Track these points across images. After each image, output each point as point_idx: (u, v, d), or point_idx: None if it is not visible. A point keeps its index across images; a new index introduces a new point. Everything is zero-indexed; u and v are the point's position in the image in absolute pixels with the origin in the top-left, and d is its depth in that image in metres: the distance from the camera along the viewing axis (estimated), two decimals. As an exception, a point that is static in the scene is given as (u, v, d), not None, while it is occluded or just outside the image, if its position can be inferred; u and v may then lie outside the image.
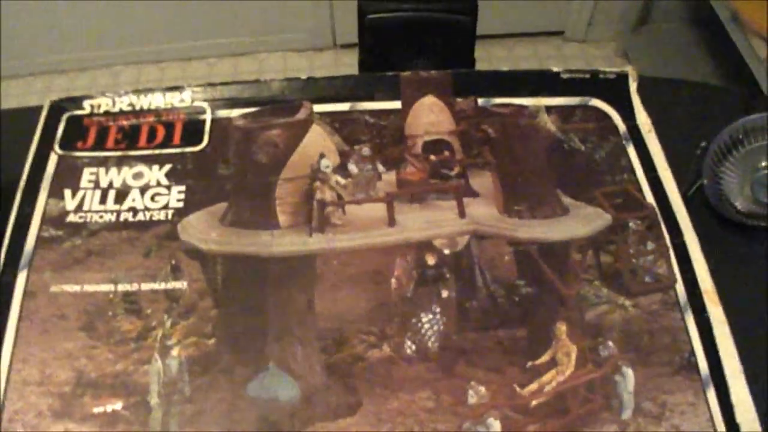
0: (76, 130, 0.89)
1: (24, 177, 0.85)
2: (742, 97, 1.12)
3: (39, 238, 0.81)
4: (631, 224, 0.83)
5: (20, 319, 0.76)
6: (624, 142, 0.89)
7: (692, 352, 0.75)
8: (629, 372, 0.74)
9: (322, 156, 0.82)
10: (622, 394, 0.73)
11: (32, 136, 0.88)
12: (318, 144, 0.84)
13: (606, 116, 0.90)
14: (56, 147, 0.87)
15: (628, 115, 0.91)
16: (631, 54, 2.73)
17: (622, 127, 0.90)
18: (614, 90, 0.92)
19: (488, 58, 2.44)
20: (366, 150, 0.86)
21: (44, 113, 0.90)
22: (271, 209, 0.81)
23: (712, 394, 0.73)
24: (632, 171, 0.87)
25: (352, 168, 0.84)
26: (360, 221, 0.81)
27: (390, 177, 0.85)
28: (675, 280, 0.79)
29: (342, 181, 0.82)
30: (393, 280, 0.79)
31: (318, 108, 0.88)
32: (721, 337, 0.75)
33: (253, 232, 0.80)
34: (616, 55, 2.71)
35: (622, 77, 0.93)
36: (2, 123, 1.01)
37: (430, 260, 0.80)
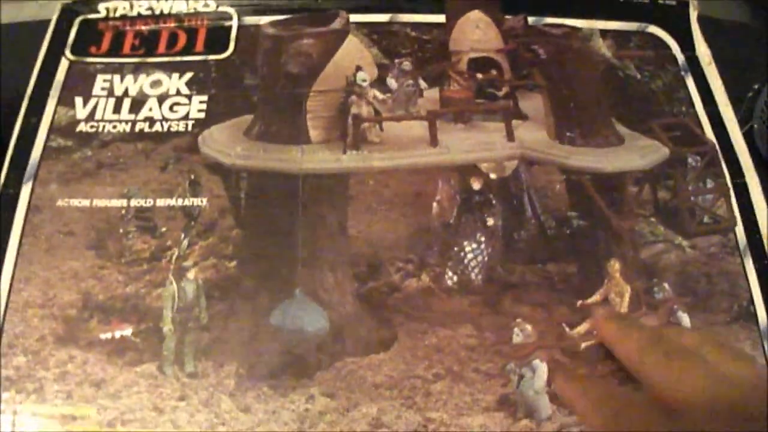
0: (90, 35, 0.82)
1: (32, 83, 0.79)
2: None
3: (46, 148, 0.75)
4: (689, 160, 0.77)
5: (23, 234, 0.70)
6: (683, 73, 0.83)
7: (751, 301, 0.70)
8: (685, 317, 0.69)
9: (358, 69, 0.76)
10: (677, 341, 0.68)
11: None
12: (354, 56, 0.78)
13: (664, 45, 0.85)
14: (67, 52, 0.81)
15: (687, 46, 0.85)
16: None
17: (680, 57, 0.84)
18: (673, 18, 0.86)
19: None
20: (407, 64, 0.80)
21: (55, 16, 0.83)
22: (301, 123, 0.75)
23: (770, 347, 0.68)
24: (691, 104, 0.81)
25: (392, 83, 0.78)
26: (399, 140, 0.76)
27: (432, 94, 0.80)
28: (735, 223, 0.74)
29: (380, 95, 0.76)
30: (434, 205, 0.74)
31: (355, 18, 0.82)
32: (783, 286, 0.70)
33: (281, 147, 0.74)
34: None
35: (683, 4, 0.87)
36: (13, 34, 0.94)
37: (476, 185, 0.74)
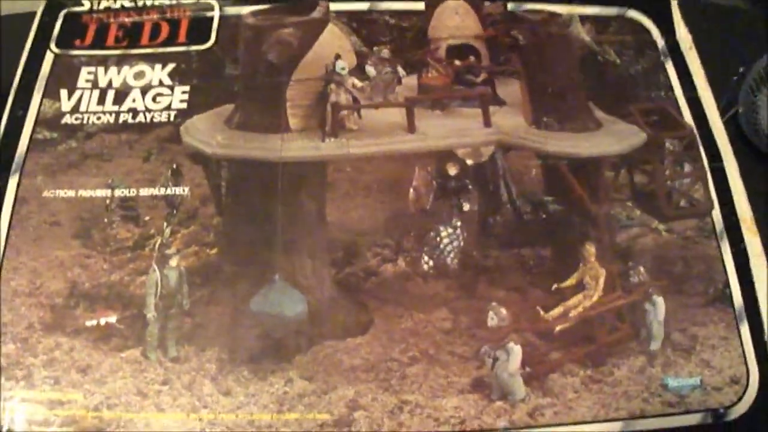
0: (74, 28, 0.83)
1: (17, 77, 0.80)
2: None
3: (32, 141, 0.76)
4: (667, 144, 0.77)
5: (11, 226, 0.72)
6: (662, 57, 0.83)
7: (727, 284, 0.71)
8: (660, 300, 0.70)
9: (337, 57, 0.76)
10: (652, 324, 0.69)
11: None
12: (334, 44, 0.78)
13: (644, 29, 0.85)
14: (52, 45, 0.82)
15: (667, 30, 0.85)
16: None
17: (660, 41, 0.84)
18: (653, 2, 0.86)
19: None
20: (385, 52, 0.80)
21: (40, 10, 0.84)
22: (281, 112, 0.76)
23: (745, 329, 0.69)
24: (670, 88, 0.81)
25: (370, 70, 0.78)
26: (377, 127, 0.76)
27: (411, 81, 0.80)
28: (712, 206, 0.74)
29: (359, 83, 0.76)
30: (411, 191, 0.74)
31: (335, 6, 0.82)
32: (758, 270, 0.71)
33: (261, 136, 0.75)
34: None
35: (663, -12, 0.87)
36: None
37: (452, 170, 0.75)
